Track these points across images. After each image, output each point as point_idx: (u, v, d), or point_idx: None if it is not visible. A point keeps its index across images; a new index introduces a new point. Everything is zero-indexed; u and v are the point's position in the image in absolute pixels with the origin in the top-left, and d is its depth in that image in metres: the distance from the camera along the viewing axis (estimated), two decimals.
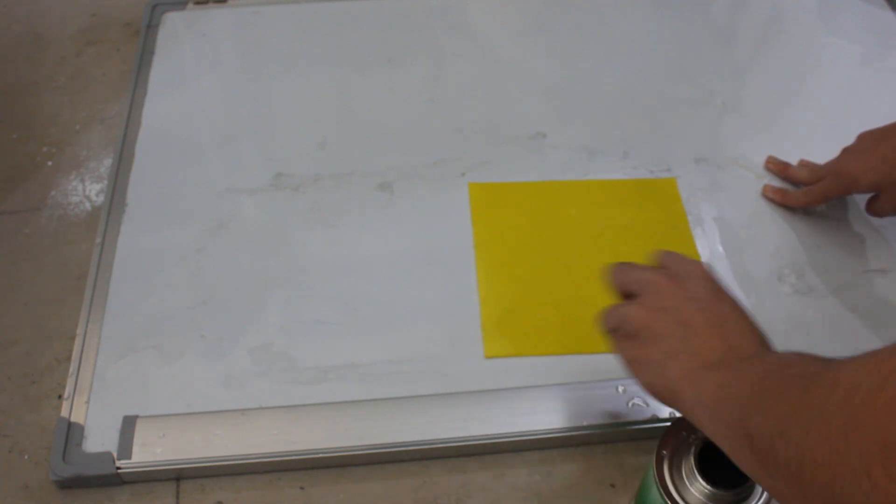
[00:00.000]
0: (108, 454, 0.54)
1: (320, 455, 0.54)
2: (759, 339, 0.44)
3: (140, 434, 0.55)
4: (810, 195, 0.68)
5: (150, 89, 0.78)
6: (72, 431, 0.55)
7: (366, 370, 0.59)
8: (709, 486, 0.43)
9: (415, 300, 0.63)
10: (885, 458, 0.26)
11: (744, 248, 0.67)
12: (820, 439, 0.30)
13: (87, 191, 0.72)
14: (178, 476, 0.55)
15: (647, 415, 0.56)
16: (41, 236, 0.68)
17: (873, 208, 0.66)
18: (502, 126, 0.76)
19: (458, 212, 0.69)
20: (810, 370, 0.34)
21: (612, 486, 0.55)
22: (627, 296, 0.49)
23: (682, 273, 0.47)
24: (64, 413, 0.56)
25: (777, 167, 0.72)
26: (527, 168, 0.72)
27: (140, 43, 0.83)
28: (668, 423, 0.47)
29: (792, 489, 0.32)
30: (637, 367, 0.46)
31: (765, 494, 0.43)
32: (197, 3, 0.87)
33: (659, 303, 0.46)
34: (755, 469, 0.36)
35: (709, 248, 0.66)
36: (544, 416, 0.56)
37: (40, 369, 0.60)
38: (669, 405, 0.44)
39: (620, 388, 0.57)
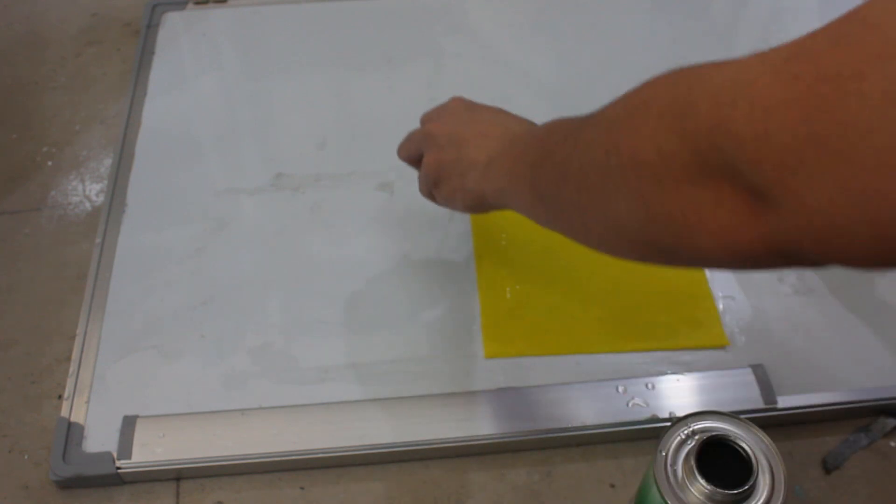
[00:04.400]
0: (108, 454, 0.54)
1: (320, 455, 0.54)
2: (519, 121, 0.53)
3: (140, 434, 0.55)
4: None
5: (150, 89, 0.78)
6: (72, 431, 0.55)
7: (366, 370, 0.59)
8: (709, 486, 0.43)
9: (415, 300, 0.63)
10: (636, 166, 0.33)
11: None
12: (590, 166, 0.37)
13: (87, 191, 0.72)
14: (178, 476, 0.55)
15: (647, 415, 0.56)
16: (41, 236, 0.68)
17: None
18: None
19: (457, 212, 0.68)
20: (576, 122, 0.41)
21: (612, 486, 0.55)
22: (420, 161, 0.56)
23: (442, 111, 0.57)
24: (64, 413, 0.56)
25: None
26: None
27: (140, 43, 0.83)
28: (668, 423, 0.47)
29: (576, 219, 0.40)
30: (454, 203, 0.54)
31: (764, 494, 0.43)
32: (197, 3, 0.87)
33: (437, 144, 0.54)
34: (549, 218, 0.43)
35: None
36: (543, 416, 0.56)
37: (40, 369, 0.60)
38: (489, 209, 0.52)
39: (620, 388, 0.57)
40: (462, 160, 0.52)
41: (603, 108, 0.39)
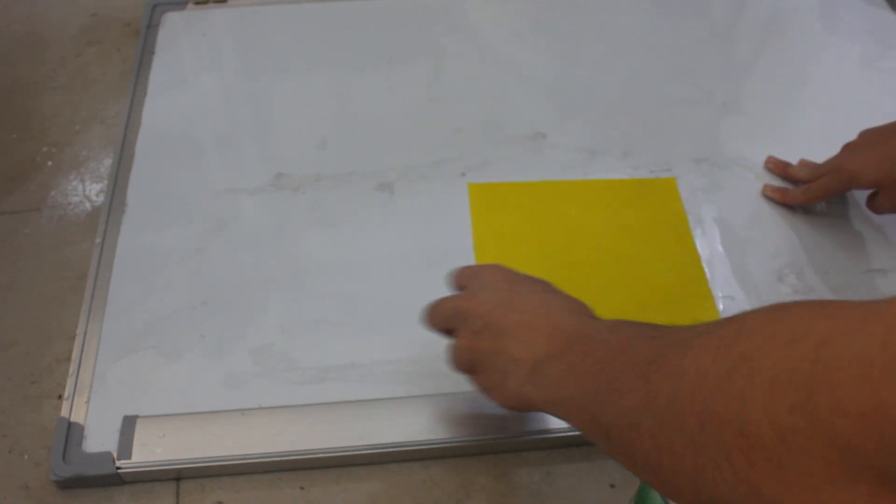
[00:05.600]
0: (108, 454, 0.54)
1: (320, 455, 0.54)
2: (571, 312, 0.45)
3: (140, 434, 0.55)
4: (810, 192, 0.68)
5: (150, 89, 0.78)
6: (72, 431, 0.55)
7: (366, 370, 0.59)
8: None
9: (415, 300, 0.63)
10: (743, 445, 0.26)
11: (744, 248, 0.67)
12: (675, 430, 0.30)
13: (87, 191, 0.72)
14: (178, 476, 0.55)
15: None
16: (41, 236, 0.68)
17: (873, 205, 0.66)
18: (502, 126, 0.76)
19: (458, 212, 0.69)
20: (645, 355, 0.34)
21: (612, 486, 0.55)
22: (450, 332, 0.49)
23: (479, 284, 0.48)
24: (64, 413, 0.56)
25: (777, 167, 0.72)
26: (527, 168, 0.72)
27: (140, 43, 0.83)
28: None
29: (653, 477, 0.33)
30: (490, 396, 0.47)
31: None
32: (197, 3, 0.87)
33: (472, 327, 0.47)
34: (617, 458, 0.36)
35: (709, 248, 0.66)
36: (543, 416, 0.56)
37: (40, 369, 0.60)
38: (537, 410, 0.45)
39: None
40: (501, 354, 0.45)
41: (675, 336, 0.33)
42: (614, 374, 0.36)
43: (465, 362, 0.48)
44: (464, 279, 0.50)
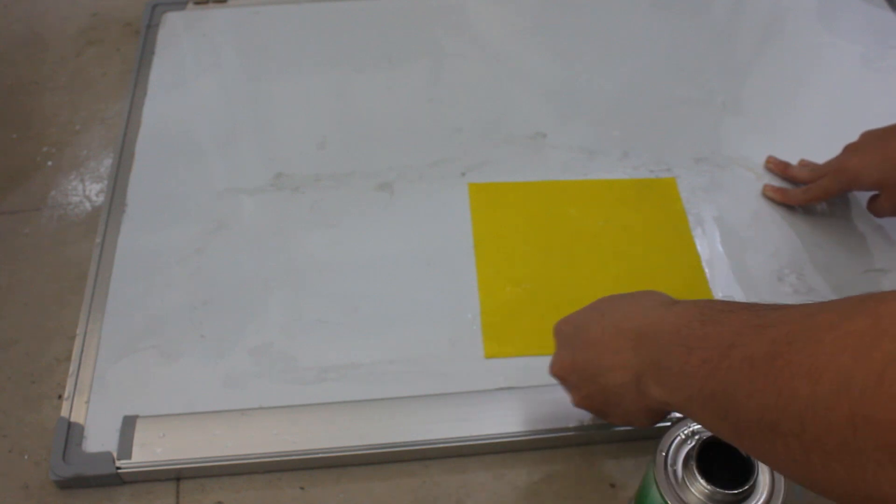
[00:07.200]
0: (108, 454, 0.54)
1: (320, 455, 0.54)
2: (642, 313, 0.44)
3: (140, 434, 0.55)
4: (810, 192, 0.68)
5: (150, 89, 0.78)
6: (72, 431, 0.55)
7: (366, 370, 0.59)
8: (709, 486, 0.43)
9: (415, 300, 0.63)
10: None
11: (744, 248, 0.67)
12: (823, 432, 0.29)
13: (87, 191, 0.72)
14: (178, 476, 0.55)
15: None
16: (41, 236, 0.68)
17: (873, 207, 0.66)
18: (502, 126, 0.76)
19: (458, 212, 0.69)
20: (760, 349, 0.33)
21: (612, 486, 0.55)
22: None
23: (558, 344, 0.51)
24: (64, 413, 0.56)
25: (777, 167, 0.72)
26: (527, 168, 0.72)
27: (140, 43, 0.83)
28: (668, 424, 0.47)
29: (800, 473, 0.32)
30: (630, 425, 0.49)
31: (764, 494, 0.43)
32: (197, 3, 0.87)
33: (573, 386, 0.50)
34: (756, 456, 0.36)
35: (709, 248, 0.66)
36: (544, 416, 0.56)
37: (40, 369, 0.60)
38: (672, 412, 0.45)
39: None
40: (604, 389, 0.46)
41: (788, 327, 0.32)
42: (729, 374, 0.34)
43: (565, 380, 0.50)
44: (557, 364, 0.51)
